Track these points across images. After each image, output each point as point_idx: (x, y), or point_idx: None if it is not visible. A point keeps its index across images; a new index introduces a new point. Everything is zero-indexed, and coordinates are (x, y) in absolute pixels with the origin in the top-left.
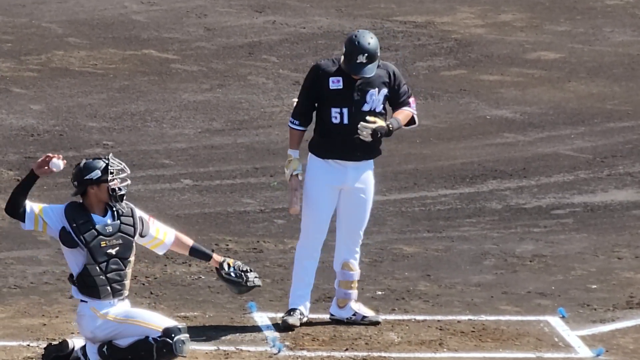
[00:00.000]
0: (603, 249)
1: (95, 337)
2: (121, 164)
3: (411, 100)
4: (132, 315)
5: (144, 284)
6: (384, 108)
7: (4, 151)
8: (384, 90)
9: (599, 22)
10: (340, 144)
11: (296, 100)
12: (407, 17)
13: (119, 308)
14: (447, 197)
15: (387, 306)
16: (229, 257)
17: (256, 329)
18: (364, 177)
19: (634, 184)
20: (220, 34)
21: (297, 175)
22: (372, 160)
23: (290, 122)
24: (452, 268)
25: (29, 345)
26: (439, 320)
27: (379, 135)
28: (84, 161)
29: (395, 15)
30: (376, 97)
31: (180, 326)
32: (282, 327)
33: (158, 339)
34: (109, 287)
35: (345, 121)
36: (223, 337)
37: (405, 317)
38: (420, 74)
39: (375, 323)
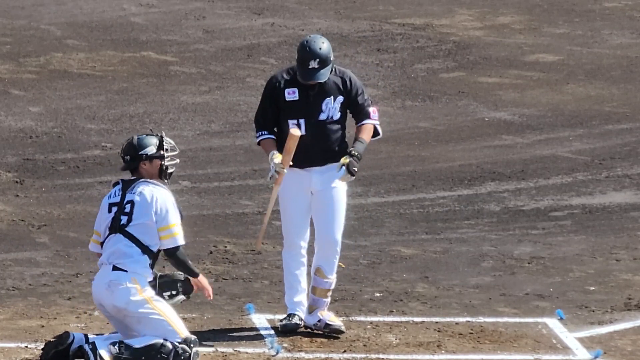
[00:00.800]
0: (601, 251)
1: (125, 309)
2: (172, 142)
3: (372, 110)
4: (165, 308)
5: None
6: (343, 115)
7: (3, 153)
8: (340, 98)
9: (597, 25)
10: (301, 154)
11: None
12: (406, 20)
13: (153, 291)
14: (445, 199)
15: (385, 308)
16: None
17: (254, 330)
18: (331, 180)
19: (632, 186)
20: (219, 36)
21: (282, 167)
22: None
23: (258, 136)
24: (450, 270)
25: (27, 346)
26: (437, 322)
27: (355, 168)
28: (136, 136)
29: (394, 17)
30: (332, 105)
31: (196, 339)
32: (281, 331)
33: (178, 344)
34: None
35: (304, 132)
36: (221, 339)
37: (403, 318)
38: (419, 76)
39: (338, 332)
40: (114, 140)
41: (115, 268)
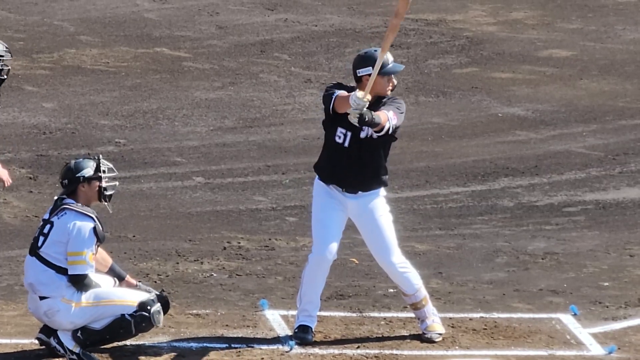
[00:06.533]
0: (615, 247)
1: (75, 326)
2: (110, 164)
3: (391, 114)
4: (103, 295)
5: (155, 282)
6: (381, 142)
7: (17, 149)
8: None
9: (610, 20)
10: (339, 168)
11: None
12: (419, 15)
13: (85, 293)
14: (459, 194)
15: (398, 304)
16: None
17: (268, 326)
18: (368, 207)
19: None
20: (232, 32)
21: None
22: (376, 191)
23: (332, 99)
24: (464, 266)
25: None
26: (450, 318)
27: (365, 119)
28: (73, 161)
29: (407, 13)
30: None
31: (152, 297)
32: (296, 340)
33: (135, 314)
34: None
35: (346, 144)
36: (235, 335)
37: None
38: (432, 72)
39: (430, 341)
40: (127, 136)
41: (42, 297)
